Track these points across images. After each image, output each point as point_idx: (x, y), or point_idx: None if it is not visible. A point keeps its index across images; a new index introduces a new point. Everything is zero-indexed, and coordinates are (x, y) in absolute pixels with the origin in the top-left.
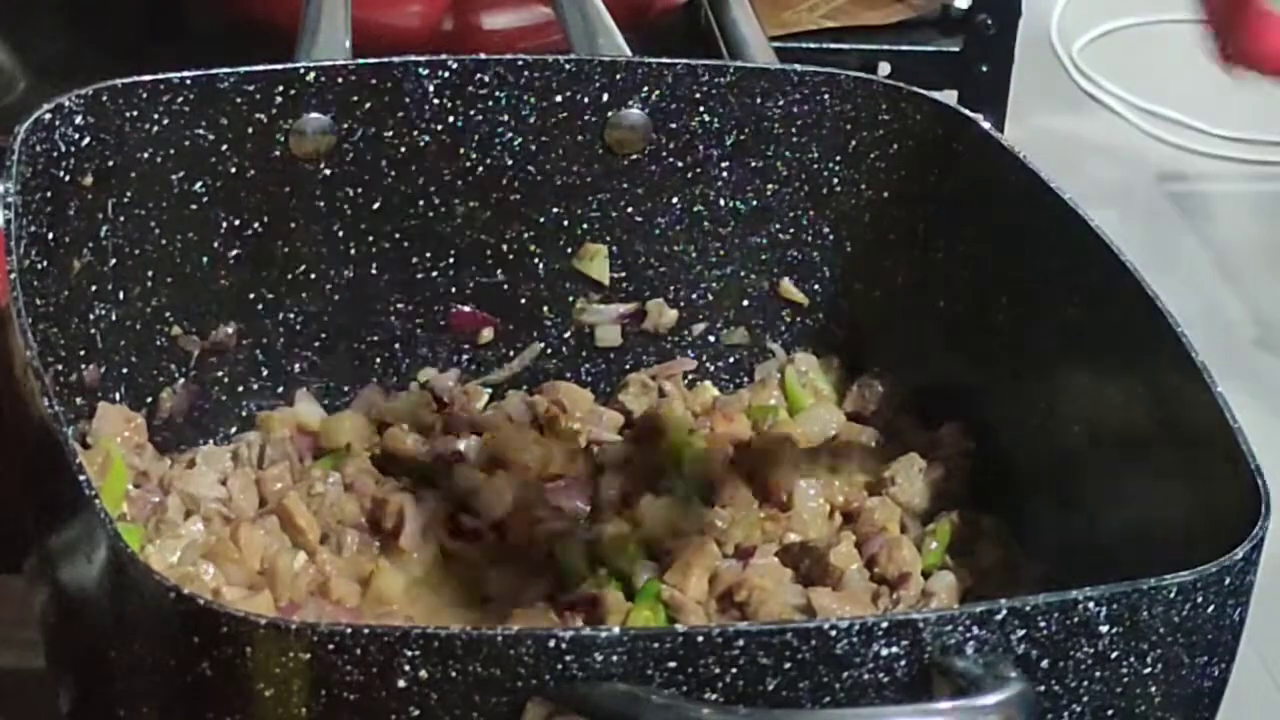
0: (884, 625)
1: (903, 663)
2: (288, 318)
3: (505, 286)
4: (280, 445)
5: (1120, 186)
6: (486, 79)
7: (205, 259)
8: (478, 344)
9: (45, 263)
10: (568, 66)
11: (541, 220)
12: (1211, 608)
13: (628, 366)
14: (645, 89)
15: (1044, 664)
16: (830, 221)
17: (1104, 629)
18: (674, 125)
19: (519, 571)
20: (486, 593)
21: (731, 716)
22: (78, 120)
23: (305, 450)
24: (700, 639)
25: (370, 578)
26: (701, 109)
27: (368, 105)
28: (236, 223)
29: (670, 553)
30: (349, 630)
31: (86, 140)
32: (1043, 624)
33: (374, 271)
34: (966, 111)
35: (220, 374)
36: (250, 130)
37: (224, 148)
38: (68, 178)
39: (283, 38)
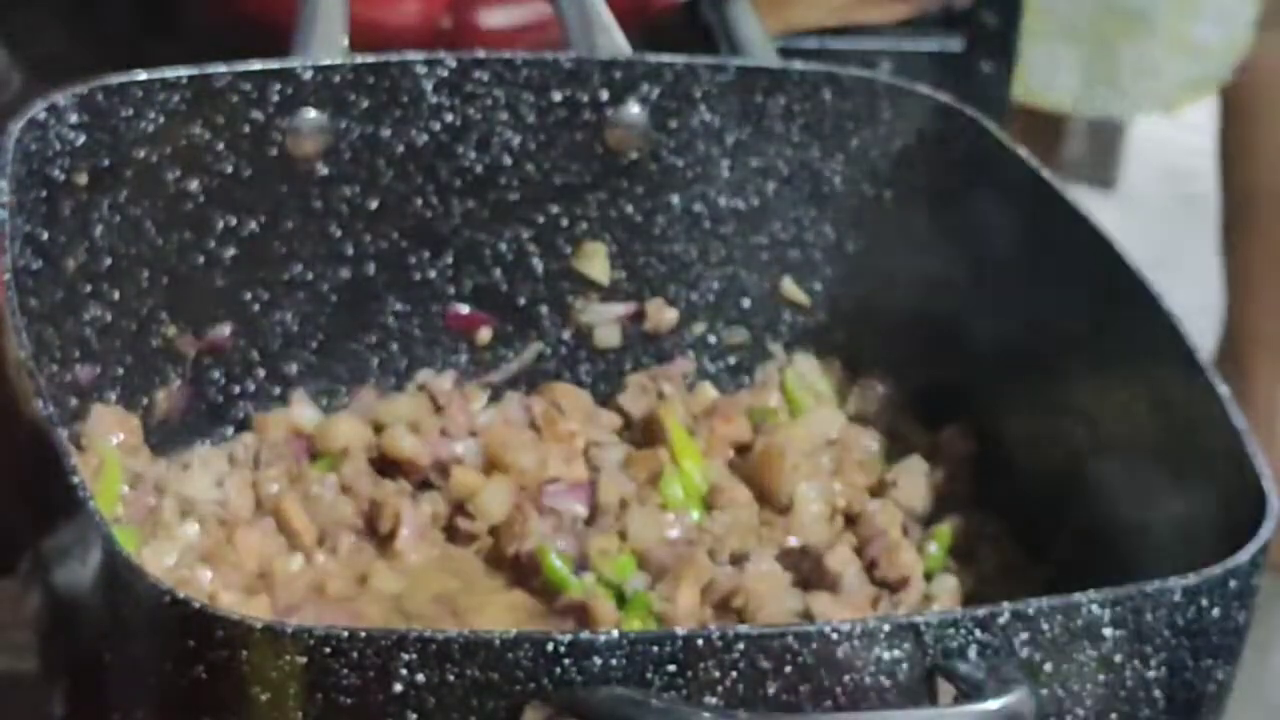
0: (886, 628)
1: (905, 666)
2: (284, 318)
3: (503, 286)
4: (276, 447)
5: (1122, 185)
6: (484, 77)
7: (201, 259)
8: (475, 344)
9: (40, 262)
10: (566, 64)
11: (540, 220)
12: (1216, 610)
13: (627, 367)
14: (645, 87)
15: (1047, 667)
16: (830, 221)
17: (1108, 632)
18: (674, 123)
19: (514, 575)
20: (482, 596)
21: None
22: (72, 118)
23: (302, 452)
24: (700, 642)
25: (367, 580)
26: (702, 107)
27: (365, 104)
28: (232, 222)
29: (660, 564)
30: (345, 633)
31: (81, 139)
32: (1046, 627)
33: (371, 271)
34: (968, 110)
35: (216, 375)
36: (246, 129)
37: (220, 146)
38: (62, 176)
39: (279, 35)
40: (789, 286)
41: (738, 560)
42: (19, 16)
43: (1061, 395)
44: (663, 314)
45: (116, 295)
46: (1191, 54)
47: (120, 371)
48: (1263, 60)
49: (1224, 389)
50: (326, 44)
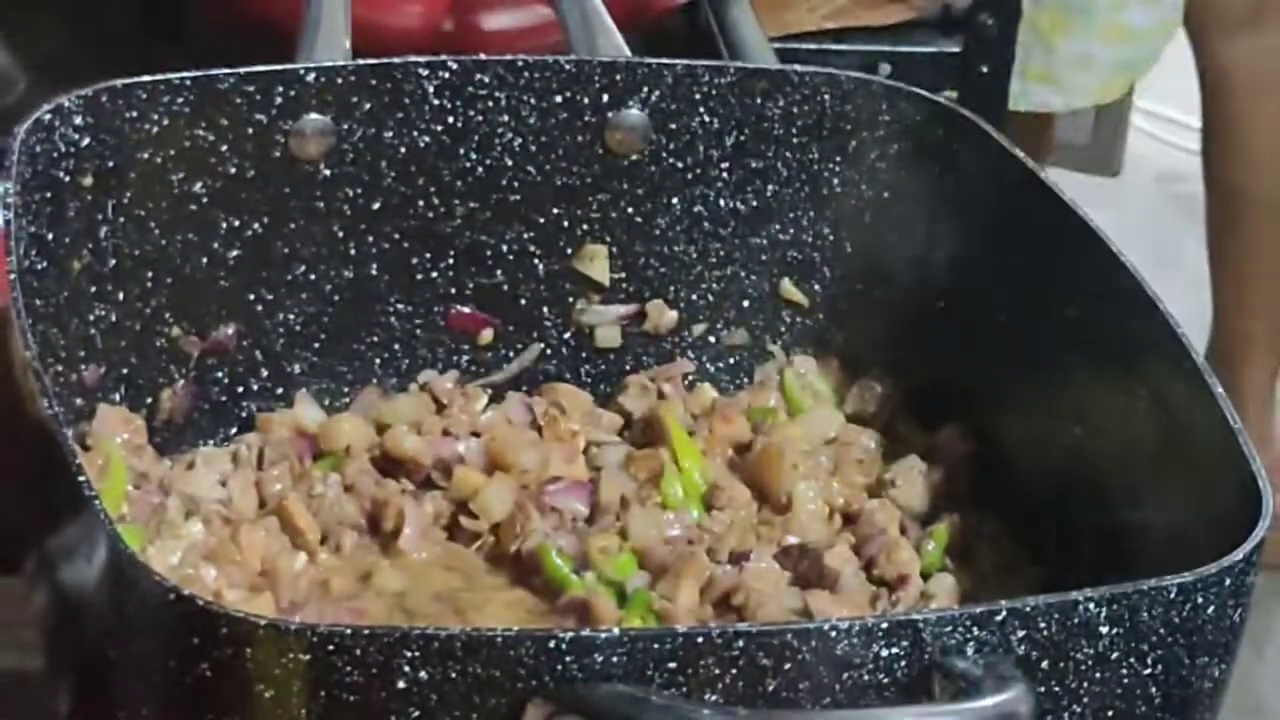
0: (884, 626)
1: (903, 663)
2: (287, 319)
3: (505, 287)
4: (280, 446)
5: (1119, 187)
6: (486, 80)
7: (205, 259)
8: (477, 345)
9: (45, 263)
10: (567, 67)
11: (541, 221)
12: (1212, 608)
13: (627, 368)
14: (645, 89)
15: (1044, 665)
16: (830, 222)
17: (1104, 630)
18: (674, 126)
19: (515, 574)
20: (484, 594)
21: (731, 717)
22: (77, 121)
23: (305, 451)
24: (700, 639)
25: (369, 578)
26: (701, 109)
27: (367, 106)
28: (236, 223)
29: (660, 563)
30: (348, 631)
31: (86, 141)
32: (1043, 625)
33: (373, 272)
34: (966, 112)
35: (220, 375)
36: (250, 131)
37: (224, 148)
38: (67, 178)
39: (283, 38)
40: (788, 287)
41: (737, 559)
42: (24, 19)
43: (1059, 395)
44: (663, 314)
45: (121, 296)
46: (1125, 41)
47: (125, 371)
48: (1242, 60)
49: (1220, 389)
50: (329, 47)
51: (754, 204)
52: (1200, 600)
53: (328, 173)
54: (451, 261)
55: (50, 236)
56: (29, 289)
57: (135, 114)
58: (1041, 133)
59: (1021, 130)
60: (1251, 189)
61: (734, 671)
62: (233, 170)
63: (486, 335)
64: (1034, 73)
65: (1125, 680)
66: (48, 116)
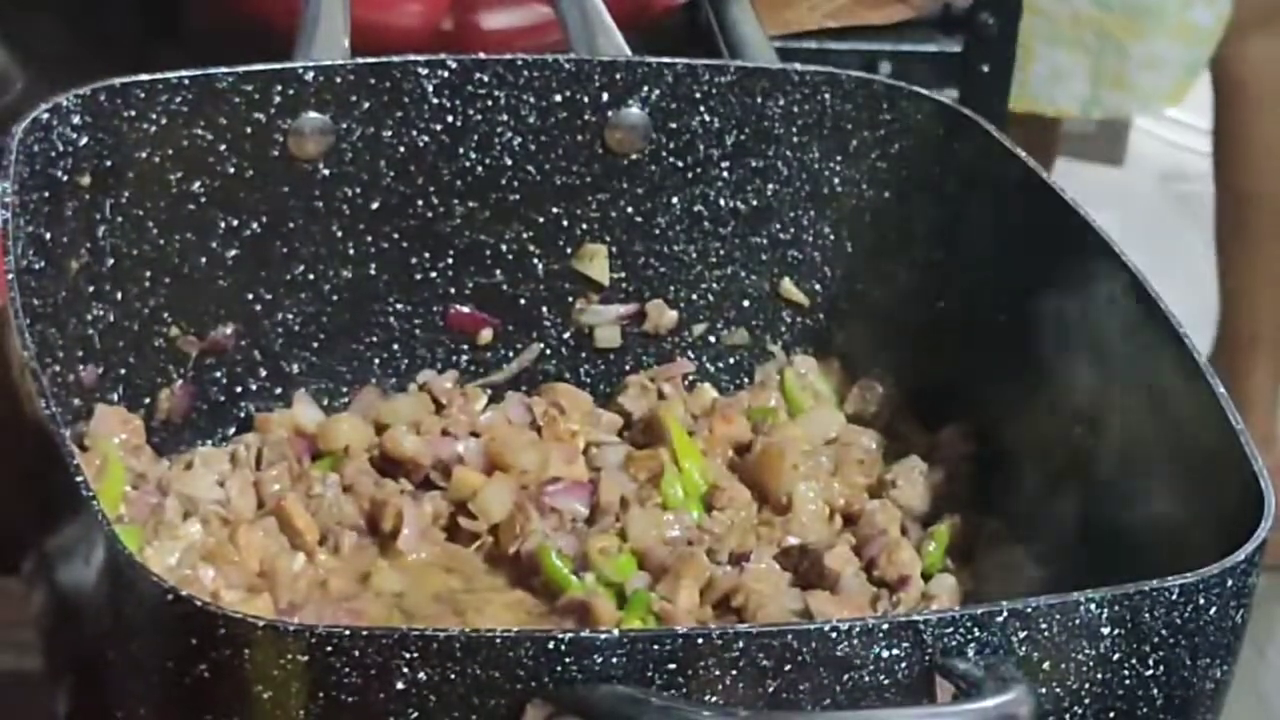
0: (885, 627)
1: (904, 664)
2: (286, 318)
3: (504, 287)
4: (278, 447)
5: (1122, 186)
6: (486, 79)
7: (203, 259)
8: (477, 345)
9: (43, 263)
10: (567, 66)
11: (541, 220)
12: (1214, 609)
13: (627, 368)
14: (645, 89)
15: (1045, 666)
16: (830, 221)
17: (1105, 631)
18: (674, 125)
19: (515, 575)
20: (483, 595)
21: (731, 718)
22: (75, 120)
23: (303, 452)
24: (700, 641)
25: (368, 579)
26: (702, 109)
27: (366, 105)
28: (234, 223)
29: (660, 564)
30: (347, 632)
31: (84, 140)
32: (1044, 626)
33: (372, 272)
34: (967, 111)
35: (218, 375)
36: (249, 130)
37: (222, 148)
38: (65, 178)
39: (282, 37)
40: (789, 287)
41: (737, 560)
42: (22, 18)
43: (1060, 395)
44: (663, 314)
45: (119, 296)
46: (1191, 40)
47: (123, 372)
48: (1255, 63)
49: (1221, 389)
50: (328, 46)
51: (754, 203)
52: (1202, 601)
53: (326, 172)
54: (451, 261)
55: (48, 236)
56: (27, 289)
57: (133, 113)
58: (1049, 134)
59: (1030, 132)
60: (1260, 192)
61: (734, 673)
62: (231, 170)
63: (486, 335)
64: (1107, 78)
65: (1127, 681)
66: (45, 116)
